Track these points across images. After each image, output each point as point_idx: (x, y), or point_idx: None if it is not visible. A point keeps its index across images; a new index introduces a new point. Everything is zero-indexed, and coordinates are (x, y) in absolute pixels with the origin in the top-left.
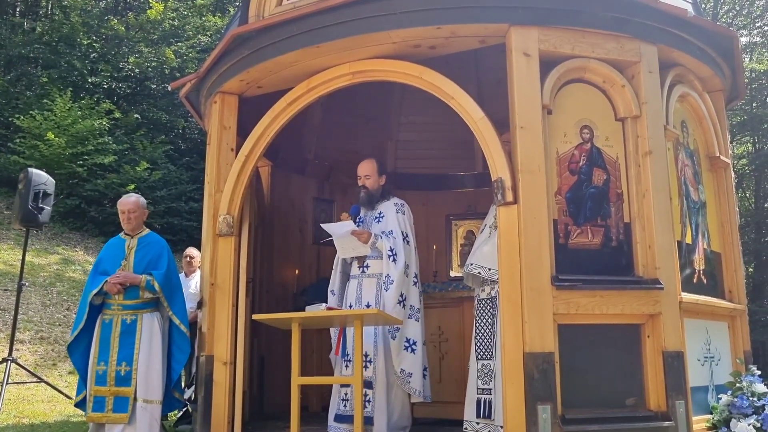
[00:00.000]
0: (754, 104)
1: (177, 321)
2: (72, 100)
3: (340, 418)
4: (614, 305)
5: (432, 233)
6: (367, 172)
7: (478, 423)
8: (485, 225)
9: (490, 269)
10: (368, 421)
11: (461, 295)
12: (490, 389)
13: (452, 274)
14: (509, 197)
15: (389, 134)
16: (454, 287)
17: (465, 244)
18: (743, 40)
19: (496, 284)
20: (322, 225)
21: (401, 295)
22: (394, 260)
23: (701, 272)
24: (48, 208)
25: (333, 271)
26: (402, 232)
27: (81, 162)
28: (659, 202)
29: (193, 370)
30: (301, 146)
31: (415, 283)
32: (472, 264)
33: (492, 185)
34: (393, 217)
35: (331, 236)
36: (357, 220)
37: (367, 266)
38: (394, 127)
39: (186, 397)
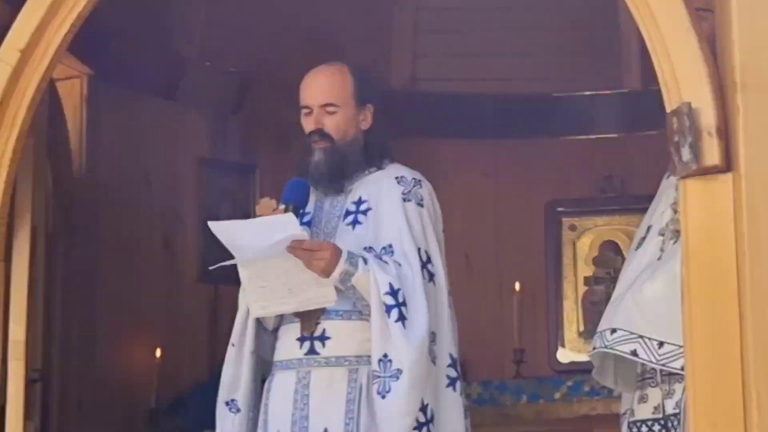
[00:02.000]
0: None
1: None
2: None
3: None
4: None
5: (509, 249)
6: (329, 96)
7: None
8: (647, 228)
9: (663, 344)
10: None
11: (587, 410)
12: None
13: (565, 356)
14: (712, 155)
15: None
16: (571, 390)
17: (600, 278)
18: None
19: (679, 381)
20: (211, 225)
21: (423, 409)
22: (401, 320)
23: None
24: None
25: (230, 353)
26: (419, 250)
27: None
28: None
29: None
30: (165, 27)
31: (453, 381)
32: (616, 331)
33: (666, 127)
34: (395, 212)
35: (235, 256)
36: (301, 216)
37: (324, 337)
38: None
39: None
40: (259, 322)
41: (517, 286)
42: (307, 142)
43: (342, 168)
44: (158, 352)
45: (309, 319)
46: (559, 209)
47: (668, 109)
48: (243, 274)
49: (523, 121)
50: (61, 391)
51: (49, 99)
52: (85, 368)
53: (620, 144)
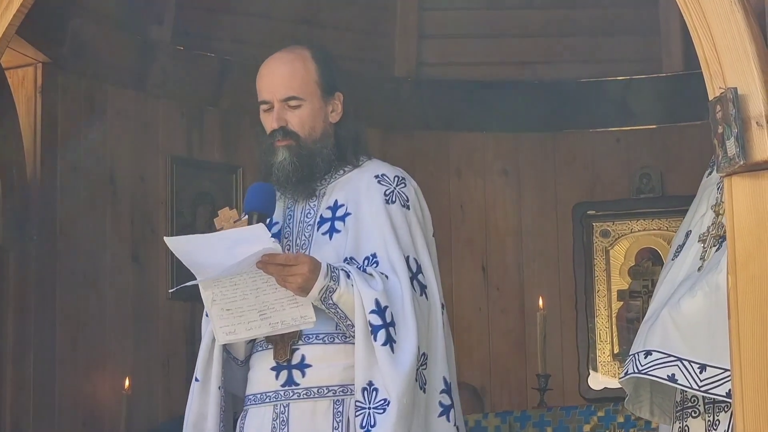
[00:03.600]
0: None
1: None
2: None
3: None
4: None
5: (531, 259)
6: (290, 88)
7: None
8: (686, 234)
9: (706, 367)
10: None
11: None
12: None
13: (597, 382)
14: (762, 149)
15: None
16: (603, 421)
17: (637, 292)
18: None
19: (724, 410)
20: (167, 240)
21: None
22: (389, 343)
23: None
24: None
25: (194, 388)
26: (407, 259)
27: None
28: None
29: None
30: (132, 6)
31: (446, 409)
32: (651, 354)
33: (709, 114)
34: (377, 216)
35: (196, 275)
36: (269, 226)
37: (303, 365)
38: None
39: None
40: (228, 353)
41: (542, 301)
42: (269, 142)
43: (311, 167)
44: (127, 381)
45: (283, 343)
46: (590, 212)
47: (711, 96)
48: (205, 295)
49: (546, 110)
50: (14, 429)
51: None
52: (43, 401)
53: (659, 136)
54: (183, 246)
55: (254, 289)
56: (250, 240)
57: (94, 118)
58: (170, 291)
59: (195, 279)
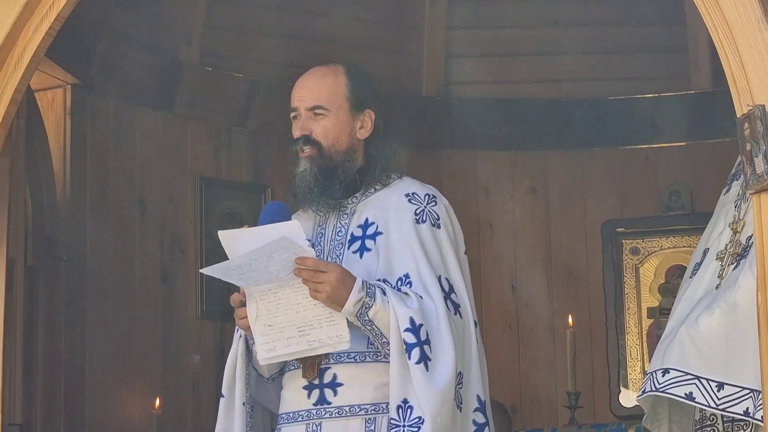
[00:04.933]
0: None
1: None
2: None
3: None
4: None
5: (561, 277)
6: (317, 98)
7: None
8: (703, 252)
9: (724, 385)
10: None
11: None
12: None
13: (628, 399)
14: None
15: None
16: None
17: (666, 309)
18: None
19: (743, 429)
20: (221, 234)
21: None
22: (424, 361)
23: None
24: None
25: (221, 405)
26: (439, 278)
27: None
28: None
29: None
30: (160, 28)
31: (481, 427)
32: (668, 372)
33: (737, 131)
34: (408, 236)
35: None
36: None
37: (335, 384)
38: None
39: None
40: (255, 370)
41: (571, 319)
42: (293, 150)
43: (331, 179)
44: (157, 401)
45: (311, 361)
46: (619, 230)
47: (738, 114)
48: (251, 310)
49: (575, 128)
50: None
51: (27, 112)
52: (73, 421)
53: (688, 153)
54: (233, 240)
55: (295, 304)
56: (290, 234)
57: (122, 139)
58: (201, 271)
59: (230, 265)
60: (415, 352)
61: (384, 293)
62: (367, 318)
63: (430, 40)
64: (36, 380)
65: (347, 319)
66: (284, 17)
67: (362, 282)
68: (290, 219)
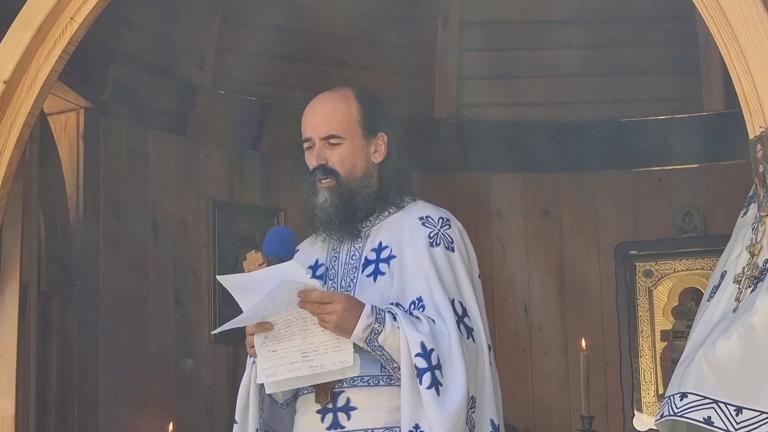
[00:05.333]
0: None
1: None
2: None
3: None
4: None
5: (574, 299)
6: (330, 126)
7: None
8: (721, 275)
9: (742, 410)
10: None
11: None
12: None
13: (642, 423)
14: None
15: (437, 9)
16: None
17: (680, 332)
18: None
19: None
20: (220, 278)
21: None
22: (435, 386)
23: None
24: None
25: (234, 429)
26: (452, 302)
27: None
28: None
29: None
30: (172, 51)
31: None
32: (686, 396)
33: (750, 153)
34: (422, 260)
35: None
36: (314, 269)
37: (348, 408)
38: None
39: None
40: (269, 395)
41: (584, 342)
42: (310, 181)
43: (352, 207)
44: (170, 425)
45: (324, 386)
46: (632, 252)
47: (751, 135)
48: (258, 336)
49: (587, 150)
50: None
51: (40, 136)
52: None
53: (701, 175)
54: (234, 283)
55: (303, 330)
56: (288, 276)
57: (135, 163)
58: (212, 333)
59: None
60: (427, 377)
61: (394, 318)
62: (376, 344)
63: (442, 63)
64: (49, 404)
65: (358, 345)
66: (296, 40)
67: (371, 308)
68: (294, 245)
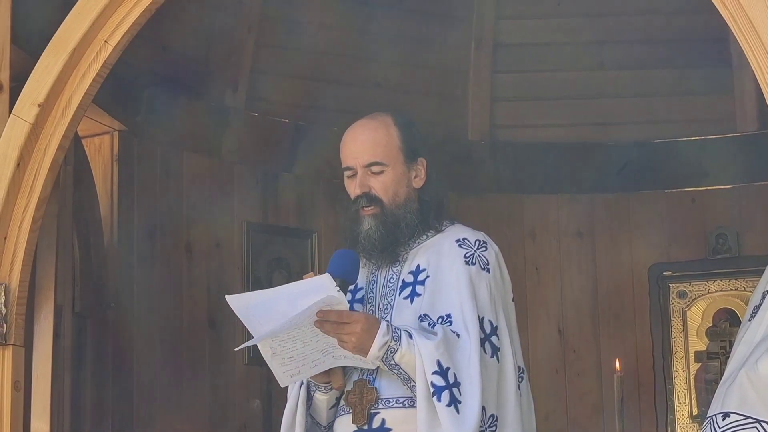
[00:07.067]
0: None
1: None
2: None
3: None
4: None
5: (608, 321)
6: (373, 154)
7: None
8: (762, 295)
9: None
10: None
11: None
12: None
13: None
14: None
15: (470, 31)
16: None
17: (714, 353)
18: None
19: None
20: (228, 298)
21: None
22: (454, 404)
23: None
24: None
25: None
26: (482, 320)
27: None
28: None
29: None
30: (206, 74)
31: None
32: (729, 416)
33: None
34: (456, 277)
35: (253, 334)
36: (352, 292)
37: (384, 429)
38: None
39: None
40: (312, 417)
41: (618, 364)
42: (354, 209)
43: (396, 234)
44: None
45: (361, 407)
46: (666, 273)
47: None
48: (264, 351)
49: (620, 171)
50: None
51: (74, 159)
52: None
53: (735, 196)
54: (246, 302)
55: (315, 335)
56: (316, 291)
57: (169, 185)
58: (236, 350)
59: (274, 330)
60: (445, 395)
61: (410, 336)
62: (393, 362)
63: (475, 84)
64: (84, 428)
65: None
66: (329, 62)
67: (386, 326)
68: (358, 267)
